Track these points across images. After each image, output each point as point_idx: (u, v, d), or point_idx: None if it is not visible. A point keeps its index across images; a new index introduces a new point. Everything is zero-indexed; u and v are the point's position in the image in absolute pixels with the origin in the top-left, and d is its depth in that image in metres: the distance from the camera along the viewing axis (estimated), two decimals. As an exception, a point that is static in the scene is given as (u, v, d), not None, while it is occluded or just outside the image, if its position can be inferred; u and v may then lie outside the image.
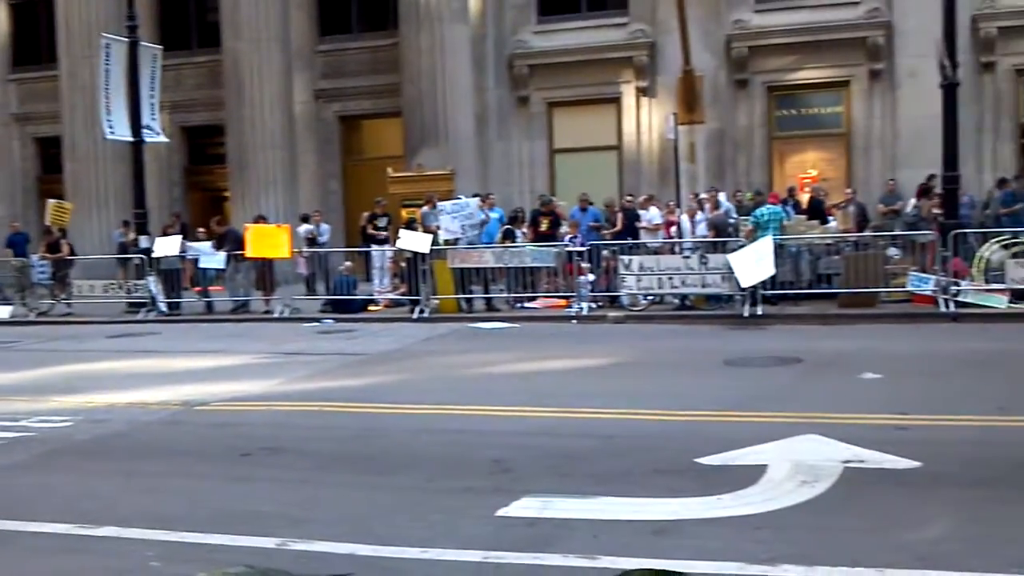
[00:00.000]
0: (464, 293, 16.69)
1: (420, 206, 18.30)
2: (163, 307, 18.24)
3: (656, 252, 16.20)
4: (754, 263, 14.46)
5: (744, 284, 14.48)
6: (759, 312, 14.48)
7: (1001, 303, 13.94)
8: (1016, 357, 10.51)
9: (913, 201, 17.00)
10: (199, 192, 26.53)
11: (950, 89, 14.81)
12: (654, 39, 22.22)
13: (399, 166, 21.58)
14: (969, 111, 19.00)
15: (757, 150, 22.14)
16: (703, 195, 17.71)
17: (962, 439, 6.86)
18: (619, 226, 17.33)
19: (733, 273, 14.56)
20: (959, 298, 14.01)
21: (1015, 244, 14.28)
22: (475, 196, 18.16)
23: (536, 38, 23.17)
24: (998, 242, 14.39)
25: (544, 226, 17.63)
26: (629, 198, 18.81)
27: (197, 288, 18.80)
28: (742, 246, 14.96)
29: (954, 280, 14.08)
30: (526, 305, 16.60)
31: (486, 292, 16.86)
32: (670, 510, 5.35)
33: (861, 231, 16.52)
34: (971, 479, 5.84)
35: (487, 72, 23.16)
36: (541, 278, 16.98)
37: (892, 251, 15.41)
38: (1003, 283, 14.06)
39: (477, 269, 16.70)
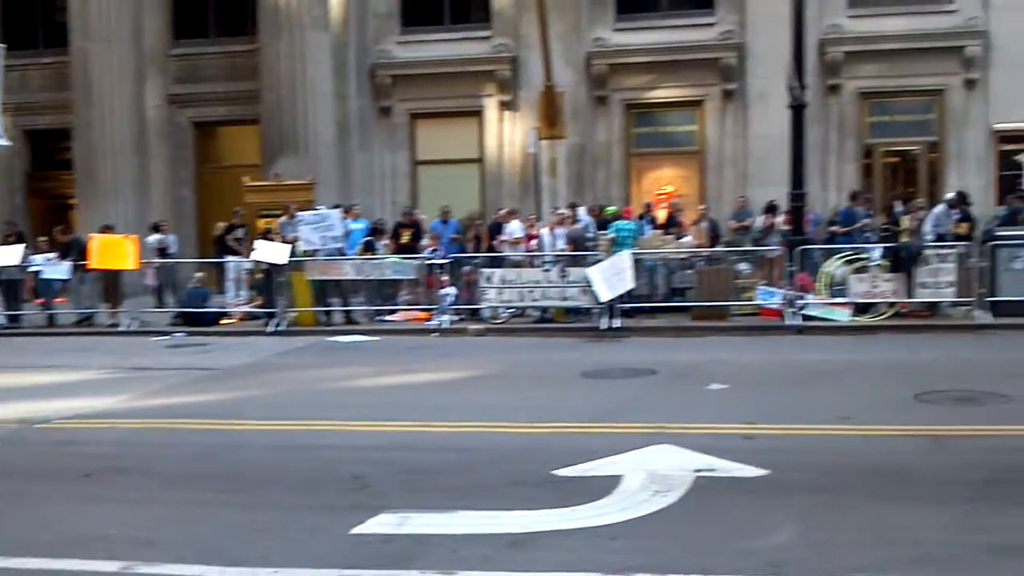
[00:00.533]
0: (323, 306, 16.42)
1: (278, 216, 17.91)
2: (2, 320, 17.33)
3: (517, 265, 16.31)
4: (612, 277, 14.73)
5: (603, 298, 14.72)
6: (616, 325, 14.74)
7: (844, 316, 14.59)
8: (858, 368, 10.96)
9: (762, 218, 17.60)
10: (43, 199, 25.24)
11: (798, 110, 15.46)
12: (516, 54, 22.41)
13: (256, 175, 21.08)
14: (816, 131, 19.78)
15: (615, 166, 22.53)
16: (563, 209, 17.90)
17: (807, 447, 7.12)
18: (485, 243, 17.28)
19: (592, 287, 14.79)
20: (805, 311, 14.57)
21: (857, 260, 14.97)
22: (336, 207, 17.88)
23: (399, 48, 23.06)
24: (841, 258, 15.05)
25: (405, 238, 17.52)
26: (502, 211, 18.75)
27: (39, 300, 17.91)
28: (600, 260, 15.22)
29: (800, 294, 14.65)
30: (386, 318, 16.45)
31: (345, 305, 16.63)
32: (527, 522, 5.37)
33: (713, 246, 17.01)
34: (816, 486, 6.06)
35: (349, 81, 22.87)
36: (402, 290, 16.87)
37: (742, 266, 15.94)
38: (846, 297, 14.73)
39: (336, 281, 16.47)
